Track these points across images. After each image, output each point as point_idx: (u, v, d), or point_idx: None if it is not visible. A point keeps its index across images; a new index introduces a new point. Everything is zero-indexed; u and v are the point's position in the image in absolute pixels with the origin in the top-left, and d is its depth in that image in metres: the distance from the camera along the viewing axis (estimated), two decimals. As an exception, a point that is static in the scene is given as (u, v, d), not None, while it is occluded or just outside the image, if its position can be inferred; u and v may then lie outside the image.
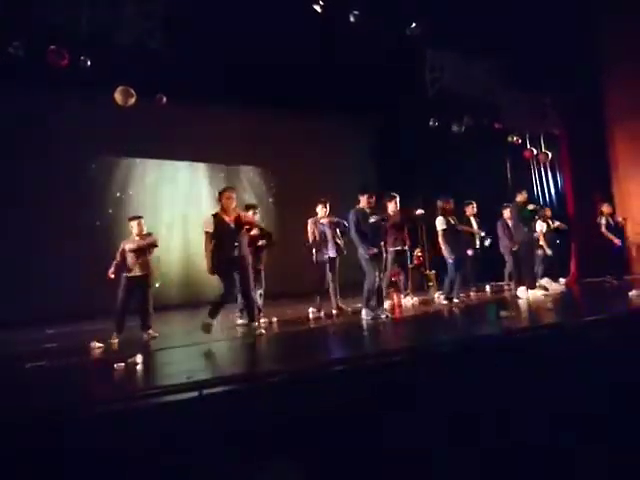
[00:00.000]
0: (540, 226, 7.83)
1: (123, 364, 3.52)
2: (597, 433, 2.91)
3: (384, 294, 6.80)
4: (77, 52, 6.20)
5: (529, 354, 3.56)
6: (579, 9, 7.85)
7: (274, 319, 5.90)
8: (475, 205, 7.77)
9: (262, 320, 5.50)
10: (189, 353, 4.33)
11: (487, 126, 8.46)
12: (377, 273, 5.50)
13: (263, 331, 4.93)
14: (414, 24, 7.23)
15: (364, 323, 5.23)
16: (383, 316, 5.42)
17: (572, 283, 8.04)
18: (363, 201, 5.58)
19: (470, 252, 7.44)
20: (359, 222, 5.47)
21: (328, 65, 8.26)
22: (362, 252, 5.45)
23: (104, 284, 5.53)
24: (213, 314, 4.80)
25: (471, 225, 7.71)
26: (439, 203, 6.61)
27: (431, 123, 8.59)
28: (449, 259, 6.46)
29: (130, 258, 5.36)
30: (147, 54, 6.61)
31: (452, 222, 6.62)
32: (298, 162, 10.73)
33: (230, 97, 9.07)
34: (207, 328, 4.75)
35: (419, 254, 10.03)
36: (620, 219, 7.73)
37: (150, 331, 5.35)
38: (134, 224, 5.54)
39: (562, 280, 7.98)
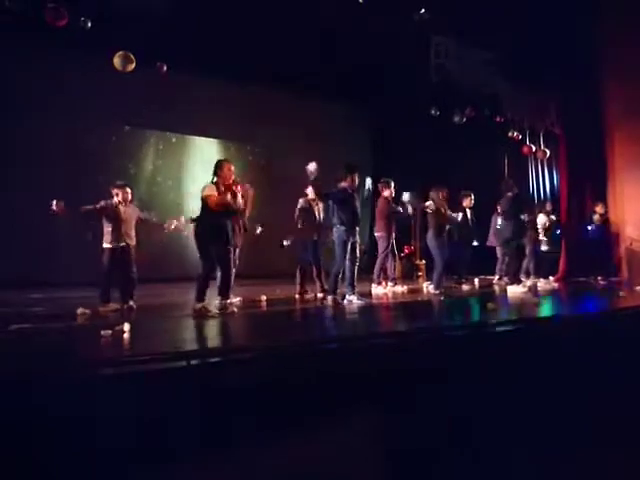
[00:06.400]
0: (542, 220, 7.76)
1: (110, 331, 3.47)
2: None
3: (376, 281, 6.84)
4: (76, 12, 6.01)
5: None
6: (581, 7, 7.79)
7: (263, 297, 5.88)
8: (472, 197, 7.53)
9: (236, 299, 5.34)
10: (178, 324, 4.29)
11: (488, 118, 8.41)
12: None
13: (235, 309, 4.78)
14: (423, 10, 7.12)
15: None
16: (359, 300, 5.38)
17: (560, 281, 8.09)
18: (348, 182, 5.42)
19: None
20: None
21: (329, 48, 8.15)
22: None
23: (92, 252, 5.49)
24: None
25: (466, 217, 7.53)
26: (432, 194, 6.56)
27: (432, 112, 8.52)
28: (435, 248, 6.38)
29: (114, 227, 5.17)
30: (149, 20, 6.46)
31: (442, 211, 6.51)
32: (292, 144, 10.50)
33: (228, 71, 8.96)
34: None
35: (410, 244, 10.02)
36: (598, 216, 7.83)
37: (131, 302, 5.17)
38: (119, 191, 5.20)
39: (551, 278, 8.00)
